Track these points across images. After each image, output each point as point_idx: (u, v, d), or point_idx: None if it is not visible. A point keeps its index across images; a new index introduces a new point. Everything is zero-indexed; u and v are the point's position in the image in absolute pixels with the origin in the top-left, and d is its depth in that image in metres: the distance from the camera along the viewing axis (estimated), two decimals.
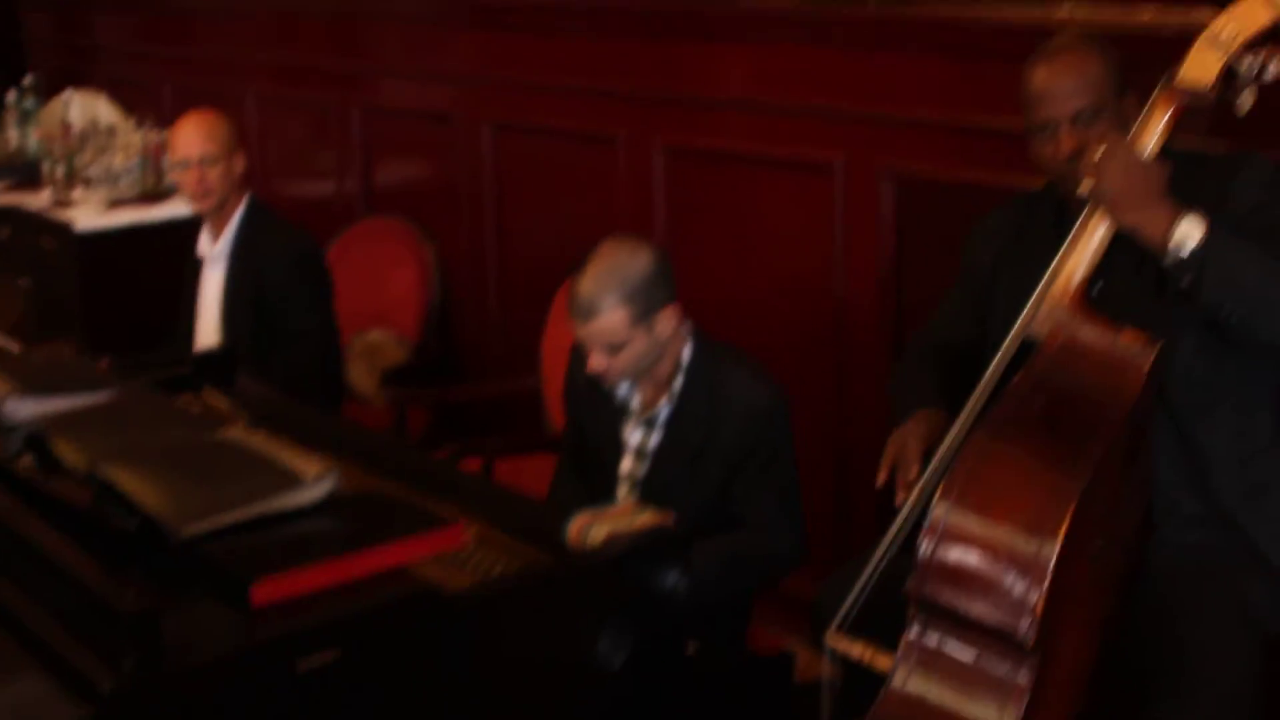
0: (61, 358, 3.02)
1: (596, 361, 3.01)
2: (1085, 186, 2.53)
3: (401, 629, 2.05)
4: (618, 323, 2.96)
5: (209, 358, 3.33)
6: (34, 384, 2.69)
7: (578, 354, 3.23)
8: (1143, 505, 2.64)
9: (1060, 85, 2.65)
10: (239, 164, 4.21)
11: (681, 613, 2.39)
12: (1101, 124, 2.63)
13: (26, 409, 2.61)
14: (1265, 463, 2.69)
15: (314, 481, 2.26)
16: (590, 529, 2.40)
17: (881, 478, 2.72)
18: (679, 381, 3.08)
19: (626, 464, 3.16)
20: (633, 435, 3.14)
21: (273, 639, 1.95)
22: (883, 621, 2.52)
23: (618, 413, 3.16)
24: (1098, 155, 2.50)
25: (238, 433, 2.52)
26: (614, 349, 2.99)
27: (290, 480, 2.25)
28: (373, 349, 4.89)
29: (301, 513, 2.23)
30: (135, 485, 2.21)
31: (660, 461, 3.10)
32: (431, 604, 2.09)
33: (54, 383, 2.73)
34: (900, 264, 3.70)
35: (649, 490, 3.08)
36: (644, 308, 2.97)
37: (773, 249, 4.01)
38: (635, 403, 3.14)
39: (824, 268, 3.86)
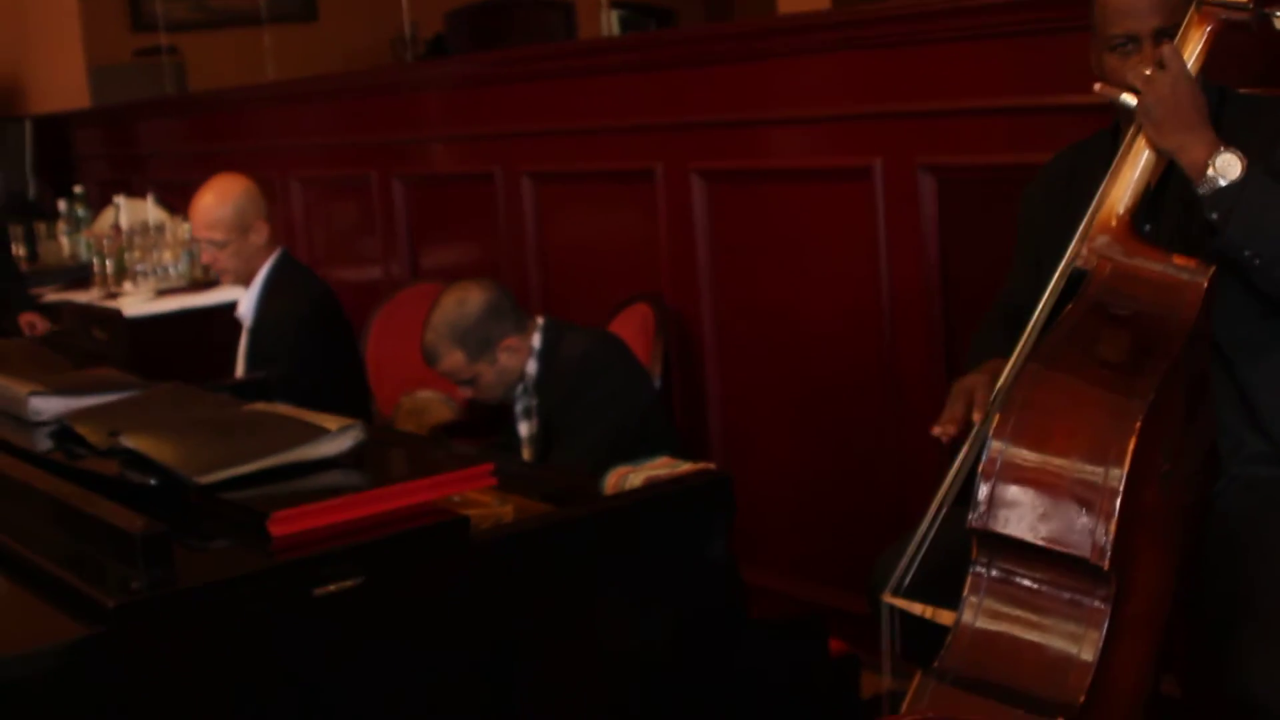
0: (97, 373, 2.95)
1: (462, 391, 3.42)
2: (1128, 99, 2.41)
3: (429, 558, 1.93)
4: (458, 364, 3.34)
5: (242, 385, 3.26)
6: (62, 386, 2.63)
7: None
8: (1208, 442, 2.51)
9: (1144, 1, 2.54)
10: (257, 236, 4.14)
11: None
12: None
13: (53, 406, 2.55)
14: None
15: (339, 432, 2.16)
16: (629, 477, 2.30)
17: (945, 428, 2.53)
18: (532, 366, 3.44)
19: (525, 454, 3.49)
20: (521, 427, 3.50)
21: (291, 562, 1.83)
22: (940, 587, 2.38)
23: (510, 411, 3.54)
24: (1149, 69, 2.39)
25: (264, 406, 2.44)
26: (466, 383, 3.38)
27: (313, 432, 2.15)
28: (421, 408, 4.80)
29: (327, 463, 2.13)
30: (154, 446, 2.13)
31: (539, 442, 3.43)
32: (462, 534, 1.96)
33: (83, 386, 2.67)
34: (945, 257, 3.60)
35: None
36: (479, 348, 3.33)
37: (816, 260, 3.92)
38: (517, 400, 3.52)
39: (869, 271, 3.76)
